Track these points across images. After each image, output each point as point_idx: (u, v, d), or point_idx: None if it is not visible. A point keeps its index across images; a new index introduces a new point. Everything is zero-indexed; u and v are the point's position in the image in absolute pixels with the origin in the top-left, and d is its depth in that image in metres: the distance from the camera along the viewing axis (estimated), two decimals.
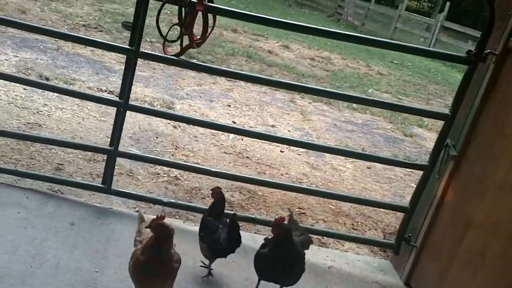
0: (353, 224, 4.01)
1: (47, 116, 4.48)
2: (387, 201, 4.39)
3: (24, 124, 4.21)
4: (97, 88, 5.53)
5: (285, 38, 11.98)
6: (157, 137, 4.72)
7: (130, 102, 3.18)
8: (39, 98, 4.76)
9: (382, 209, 4.20)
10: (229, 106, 6.21)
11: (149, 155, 4.08)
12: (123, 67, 3.15)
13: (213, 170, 3.57)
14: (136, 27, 3.04)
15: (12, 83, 4.90)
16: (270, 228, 2.58)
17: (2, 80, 4.90)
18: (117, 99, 3.40)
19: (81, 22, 8.46)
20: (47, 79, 5.34)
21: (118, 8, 10.29)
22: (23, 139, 3.74)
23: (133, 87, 5.25)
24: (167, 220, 2.21)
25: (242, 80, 6.25)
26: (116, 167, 3.40)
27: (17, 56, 5.81)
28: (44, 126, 4.28)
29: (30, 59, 5.84)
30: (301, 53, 11.12)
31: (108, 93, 5.49)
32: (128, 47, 3.10)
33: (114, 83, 5.82)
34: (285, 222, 2.59)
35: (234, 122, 5.62)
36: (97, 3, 10.49)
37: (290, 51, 11.04)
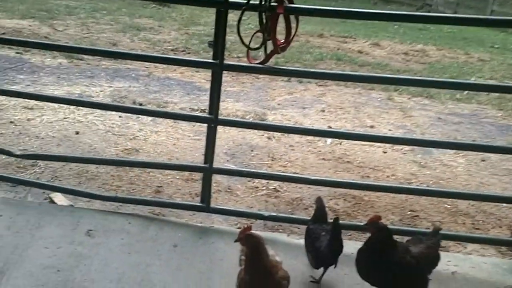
0: (473, 224, 3.66)
1: (143, 140, 4.52)
2: (508, 195, 3.98)
3: (122, 151, 4.25)
4: (189, 108, 5.53)
5: (375, 36, 11.58)
6: (252, 150, 4.61)
7: (221, 117, 3.09)
8: (134, 124, 4.82)
9: (504, 204, 3.81)
10: (323, 111, 6.00)
11: (245, 169, 3.97)
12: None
13: (313, 178, 3.37)
14: (218, 41, 2.94)
15: (108, 112, 5.04)
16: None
17: (99, 110, 5.06)
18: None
19: (169, 47, 8.62)
20: (141, 105, 5.42)
21: (203, 30, 10.42)
22: (121, 165, 3.77)
23: (224, 103, 5.23)
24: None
25: (333, 80, 6.03)
26: (213, 185, 3.32)
27: (111, 86, 5.96)
28: (141, 151, 4.30)
29: (123, 87, 5.97)
30: (393, 49, 10.68)
31: (200, 111, 5.47)
32: (212, 61, 3.00)
33: (205, 101, 5.76)
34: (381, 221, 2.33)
35: (330, 127, 5.41)
36: (183, 27, 10.69)
37: (381, 49, 10.64)
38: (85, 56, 7.36)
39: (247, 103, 6.01)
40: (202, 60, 3.73)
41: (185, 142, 4.60)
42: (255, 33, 2.87)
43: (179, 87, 6.36)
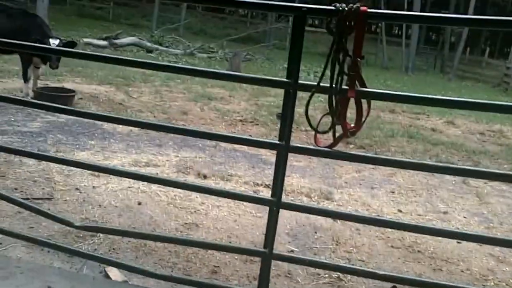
0: None
1: (204, 215, 4.41)
2: None
3: (182, 225, 4.16)
4: (253, 183, 5.42)
5: (449, 114, 11.26)
6: (315, 232, 4.40)
7: (284, 197, 2.94)
8: (197, 197, 4.74)
9: None
10: (393, 192, 5.73)
11: (307, 257, 3.75)
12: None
13: (380, 273, 3.11)
14: (285, 120, 2.84)
15: None
16: None
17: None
18: (269, 196, 3.18)
19: (238, 118, 8.68)
20: (205, 176, 5.37)
21: (273, 101, 10.49)
22: (179, 243, 3.65)
23: (289, 178, 5.08)
24: None
25: (404, 168, 5.78)
26: (273, 268, 3.14)
27: (177, 156, 5.98)
28: (201, 226, 4.19)
29: (189, 157, 5.97)
30: (469, 128, 10.32)
31: (264, 186, 5.36)
32: (277, 142, 2.89)
33: (270, 176, 5.66)
34: None
35: (400, 211, 5.13)
36: (253, 98, 10.82)
37: (456, 127, 10.31)
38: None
39: (313, 180, 5.84)
40: (267, 141, 3.64)
41: (246, 219, 4.46)
42: (323, 116, 2.75)
43: (244, 160, 6.30)
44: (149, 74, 12.26)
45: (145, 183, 4.88)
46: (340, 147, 2.77)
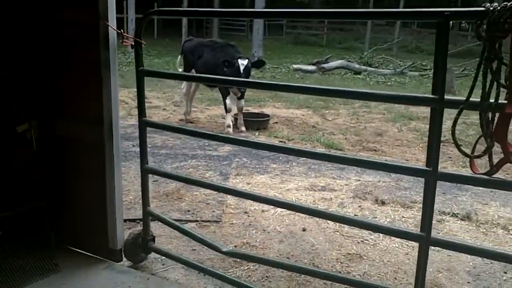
0: None
1: (371, 245, 4.05)
2: None
3: (344, 256, 3.86)
4: (439, 211, 4.85)
5: None
6: (505, 272, 3.74)
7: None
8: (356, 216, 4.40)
9: None
10: None
11: None
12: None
13: None
14: (432, 143, 2.46)
15: (344, 209, 4.76)
16: None
17: (333, 206, 4.82)
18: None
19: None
20: (383, 203, 4.97)
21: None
22: (335, 281, 3.37)
23: (486, 207, 4.52)
24: None
25: None
26: None
27: (358, 180, 5.67)
28: (365, 258, 3.84)
29: (371, 182, 5.62)
30: None
31: (452, 216, 4.76)
32: (424, 168, 2.50)
33: (463, 203, 5.07)
34: None
35: None
36: (462, 116, 9.92)
37: None
38: (345, 147, 7.32)
39: None
40: (412, 166, 3.22)
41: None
42: (479, 138, 2.31)
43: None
44: None
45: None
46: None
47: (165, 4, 32.25)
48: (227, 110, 8.17)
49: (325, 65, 18.16)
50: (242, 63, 7.66)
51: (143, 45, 3.29)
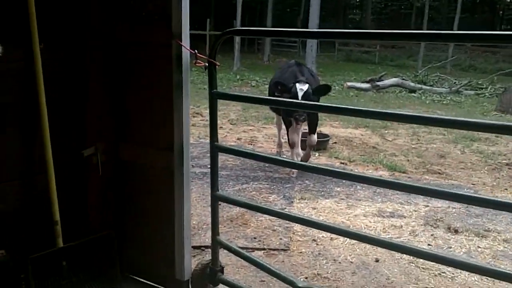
0: None
1: (449, 279, 3.81)
2: None
3: None
4: None
5: None
6: None
7: None
8: (440, 252, 4.16)
9: None
10: None
11: None
12: None
13: None
14: None
15: (416, 238, 4.54)
16: None
17: (406, 235, 4.60)
18: None
19: (504, 161, 7.66)
20: (456, 231, 4.72)
21: None
22: None
23: None
24: None
25: None
26: None
27: (427, 206, 5.42)
28: None
29: (441, 208, 5.36)
30: None
31: None
32: None
33: None
34: None
35: None
36: None
37: None
38: (408, 169, 7.06)
39: None
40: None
41: (505, 285, 3.72)
42: None
43: (507, 212, 5.40)
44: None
45: (386, 237, 4.51)
46: None
47: (218, 20, 32.67)
48: (291, 145, 6.78)
49: (380, 83, 17.87)
50: (301, 88, 6.09)
51: (217, 66, 3.18)
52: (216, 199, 3.38)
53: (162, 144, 3.28)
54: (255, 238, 4.41)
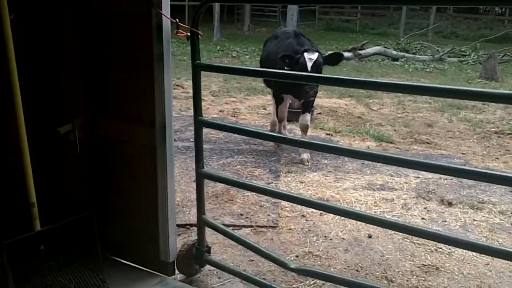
0: None
1: (447, 255, 3.67)
2: None
3: (419, 267, 3.48)
4: (511, 213, 4.47)
5: None
6: None
7: None
8: (439, 230, 4.02)
9: None
10: None
11: None
12: None
13: None
14: None
15: (409, 212, 4.40)
16: None
17: (398, 209, 4.46)
18: None
19: (492, 129, 7.54)
20: (450, 204, 4.58)
21: None
22: None
23: None
24: None
25: None
26: None
27: (418, 177, 5.27)
28: (442, 270, 3.46)
29: (432, 179, 5.22)
30: None
31: None
32: None
33: None
34: None
35: None
36: (511, 106, 9.41)
37: None
38: (396, 139, 6.91)
39: None
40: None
41: (502, 263, 3.58)
42: None
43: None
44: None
45: (377, 211, 4.37)
46: None
47: None
48: (280, 119, 6.26)
49: (362, 52, 17.62)
50: (310, 57, 5.36)
51: (199, 36, 2.94)
52: (201, 177, 3.17)
53: (143, 120, 3.06)
54: (241, 214, 4.22)
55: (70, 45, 3.07)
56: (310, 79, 3.48)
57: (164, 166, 3.07)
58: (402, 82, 2.31)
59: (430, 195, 4.78)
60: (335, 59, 5.64)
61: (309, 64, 5.34)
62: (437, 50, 18.97)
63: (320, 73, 5.30)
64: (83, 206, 3.21)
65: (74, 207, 3.19)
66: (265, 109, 8.38)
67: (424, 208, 4.48)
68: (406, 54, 18.03)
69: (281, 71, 4.08)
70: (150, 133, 3.04)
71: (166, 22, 2.91)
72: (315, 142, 2.96)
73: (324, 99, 9.44)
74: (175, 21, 2.89)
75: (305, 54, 5.39)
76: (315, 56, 5.38)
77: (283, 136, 4.83)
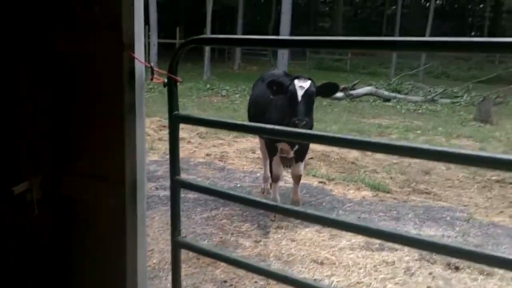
0: None
1: None
2: None
3: None
4: None
5: None
6: None
7: None
8: None
9: None
10: None
11: None
12: None
13: None
14: None
15: (413, 278, 3.96)
16: None
17: (400, 275, 4.02)
18: None
19: (493, 178, 7.17)
20: (457, 268, 4.15)
21: None
22: None
23: None
24: None
25: None
26: None
27: (419, 234, 4.85)
28: None
29: (435, 237, 4.80)
30: None
31: None
32: None
33: None
34: None
35: None
36: (510, 150, 9.10)
37: None
38: (393, 188, 6.51)
39: None
40: None
41: None
42: None
43: (509, 239, 4.89)
44: (386, 126, 11.37)
45: (378, 278, 3.92)
46: None
47: (188, 28, 31.92)
48: (275, 179, 5.48)
49: (353, 92, 17.44)
50: (301, 85, 4.76)
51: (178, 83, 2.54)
52: (178, 246, 2.72)
53: (112, 177, 2.63)
54: (225, 281, 3.74)
55: (27, 92, 2.66)
56: (305, 137, 3.03)
57: (134, 232, 2.62)
58: (421, 146, 1.88)
59: (434, 257, 4.34)
60: (330, 90, 5.10)
61: (300, 93, 4.73)
62: (429, 91, 18.85)
63: (312, 104, 4.88)
64: (43, 279, 2.75)
65: (31, 281, 2.73)
66: (254, 152, 7.97)
67: (429, 273, 4.03)
68: (398, 95, 17.88)
69: (267, 125, 3.60)
70: (120, 193, 2.61)
71: (140, 66, 2.51)
72: (313, 213, 2.51)
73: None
74: (149, 65, 2.48)
75: (296, 81, 4.78)
76: (307, 84, 4.78)
77: (274, 204, 4.27)
